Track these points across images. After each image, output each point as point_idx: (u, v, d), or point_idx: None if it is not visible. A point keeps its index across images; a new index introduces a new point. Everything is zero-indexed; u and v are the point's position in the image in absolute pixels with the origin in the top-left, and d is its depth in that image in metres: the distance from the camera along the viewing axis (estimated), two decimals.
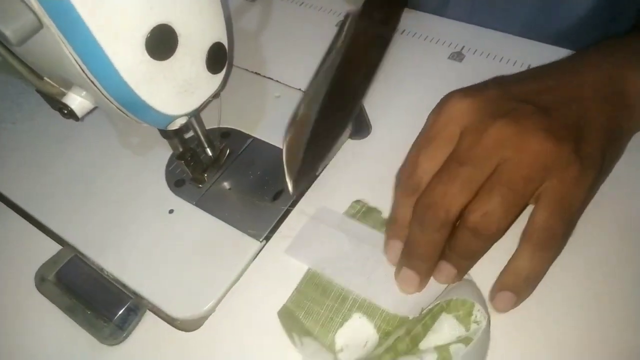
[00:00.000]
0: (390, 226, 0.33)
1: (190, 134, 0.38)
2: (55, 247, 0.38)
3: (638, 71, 0.32)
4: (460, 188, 0.28)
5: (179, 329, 0.33)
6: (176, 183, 0.40)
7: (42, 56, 0.27)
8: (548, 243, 0.28)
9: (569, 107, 0.30)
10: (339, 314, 0.31)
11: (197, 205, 0.38)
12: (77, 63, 0.25)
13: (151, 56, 0.26)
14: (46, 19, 0.23)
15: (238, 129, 0.43)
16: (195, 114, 0.35)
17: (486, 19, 0.47)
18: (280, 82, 0.46)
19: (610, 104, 0.31)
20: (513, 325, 0.30)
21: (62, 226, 0.39)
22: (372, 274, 0.32)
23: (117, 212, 0.39)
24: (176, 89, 0.28)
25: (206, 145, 0.38)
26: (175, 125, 0.31)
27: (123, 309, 0.34)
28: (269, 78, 0.46)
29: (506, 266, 0.30)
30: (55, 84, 0.31)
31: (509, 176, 0.28)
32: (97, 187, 0.41)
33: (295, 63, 0.47)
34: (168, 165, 0.41)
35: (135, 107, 0.28)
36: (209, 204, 0.38)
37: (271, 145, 0.41)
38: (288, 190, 0.33)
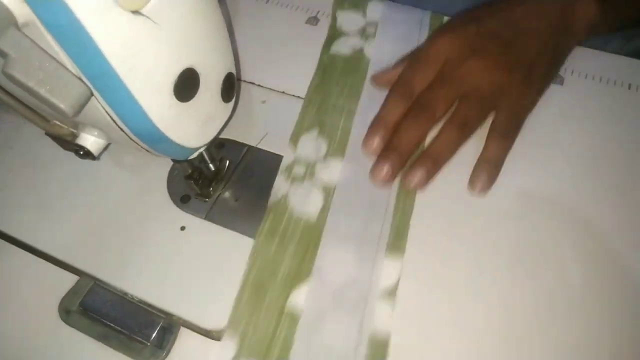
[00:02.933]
0: (376, 124, 0.40)
1: None
2: (72, 278, 0.38)
3: (584, 4, 0.42)
4: (445, 97, 0.39)
5: (216, 339, 0.35)
6: (182, 199, 0.41)
7: None
8: (505, 136, 0.39)
9: (527, 42, 0.41)
10: None
11: (207, 219, 0.40)
12: (109, 114, 0.26)
13: (178, 99, 0.27)
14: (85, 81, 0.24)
15: (231, 138, 0.44)
16: None
17: None
18: (262, 86, 0.47)
19: (559, 35, 0.42)
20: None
21: (73, 256, 0.39)
22: None
23: (130, 235, 0.40)
24: (199, 124, 0.30)
25: (209, 161, 0.39)
26: (195, 154, 0.33)
27: (157, 329, 0.35)
28: (251, 83, 0.47)
29: (478, 158, 0.39)
30: (64, 125, 0.32)
31: (478, 94, 0.39)
32: (103, 213, 0.41)
33: (272, 64, 0.48)
34: (169, 182, 0.42)
35: (162, 145, 0.29)
36: (218, 216, 0.40)
37: (267, 152, 0.43)
38: None
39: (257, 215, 0.40)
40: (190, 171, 0.38)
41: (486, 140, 0.39)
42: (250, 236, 0.38)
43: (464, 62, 0.40)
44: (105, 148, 0.32)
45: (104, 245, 0.40)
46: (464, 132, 0.39)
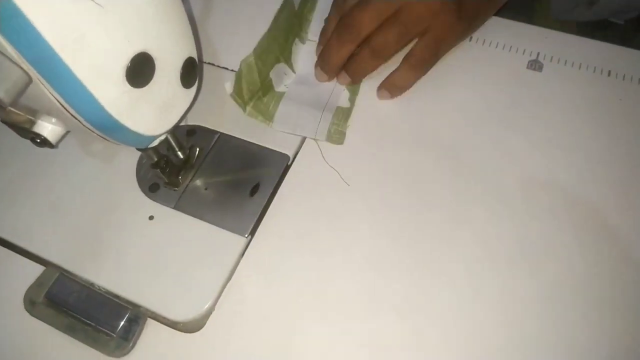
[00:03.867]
0: (320, 37, 0.46)
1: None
2: (38, 269, 0.37)
3: None
4: (371, 17, 0.40)
5: (183, 331, 0.35)
6: (150, 188, 0.40)
7: None
8: (417, 67, 0.42)
9: None
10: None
11: (176, 208, 0.39)
12: (58, 101, 0.25)
13: (132, 85, 0.26)
14: (26, 67, 0.23)
15: (203, 125, 0.43)
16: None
17: None
18: (235, 71, 0.46)
19: None
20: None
21: (40, 246, 0.38)
22: None
23: (97, 224, 0.39)
24: (157, 111, 0.29)
25: (177, 148, 0.38)
26: (156, 142, 0.32)
27: (123, 320, 0.35)
28: (224, 68, 0.46)
29: (388, 76, 0.42)
30: (21, 112, 0.30)
31: (405, 16, 0.39)
32: (70, 202, 0.40)
33: (245, 48, 0.47)
34: (138, 171, 0.41)
35: (118, 133, 0.28)
36: (187, 206, 0.39)
37: (239, 139, 0.42)
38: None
39: (227, 205, 0.39)
40: (156, 159, 0.37)
41: (399, 65, 0.42)
42: (219, 226, 0.38)
43: None
44: (64, 136, 0.31)
45: (70, 234, 0.39)
46: (378, 58, 0.41)
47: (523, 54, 0.44)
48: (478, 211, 0.37)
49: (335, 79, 0.45)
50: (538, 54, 0.44)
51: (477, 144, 0.40)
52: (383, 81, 0.43)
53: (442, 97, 0.42)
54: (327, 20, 0.46)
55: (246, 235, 0.37)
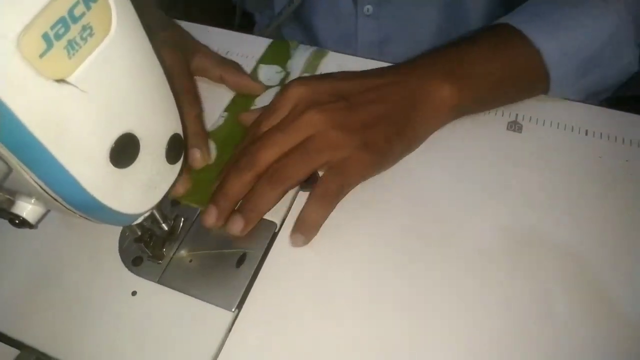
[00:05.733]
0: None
1: None
2: (12, 353, 0.35)
3: (437, 86, 0.42)
4: (272, 149, 0.39)
5: None
6: (133, 262, 0.39)
7: None
8: (326, 198, 0.39)
9: (374, 109, 0.40)
10: None
11: (159, 282, 0.38)
12: (38, 184, 0.25)
13: (116, 166, 0.26)
14: (6, 153, 0.22)
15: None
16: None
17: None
18: None
19: (411, 110, 0.41)
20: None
21: (13, 327, 0.36)
22: None
23: (76, 302, 0.37)
24: (141, 189, 0.28)
25: (161, 221, 0.38)
26: (140, 219, 0.31)
27: None
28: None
29: (297, 218, 0.39)
30: None
31: (307, 146, 0.39)
32: (48, 279, 0.38)
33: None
34: (121, 244, 0.40)
35: (101, 213, 0.28)
36: (172, 279, 0.38)
37: None
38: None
39: (212, 277, 0.38)
40: (139, 234, 0.36)
41: (307, 200, 0.39)
42: (204, 300, 0.36)
43: (306, 112, 0.39)
44: (45, 215, 0.30)
45: (47, 314, 0.37)
46: (276, 185, 0.38)
47: (502, 115, 0.45)
48: (462, 273, 0.36)
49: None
50: (517, 115, 0.45)
51: (459, 206, 0.40)
52: (293, 226, 0.39)
53: (425, 162, 0.42)
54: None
55: (233, 310, 0.36)
